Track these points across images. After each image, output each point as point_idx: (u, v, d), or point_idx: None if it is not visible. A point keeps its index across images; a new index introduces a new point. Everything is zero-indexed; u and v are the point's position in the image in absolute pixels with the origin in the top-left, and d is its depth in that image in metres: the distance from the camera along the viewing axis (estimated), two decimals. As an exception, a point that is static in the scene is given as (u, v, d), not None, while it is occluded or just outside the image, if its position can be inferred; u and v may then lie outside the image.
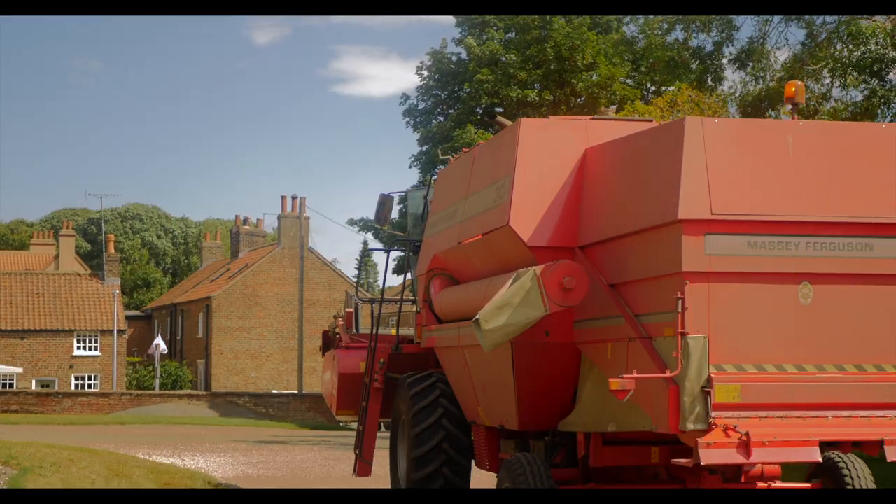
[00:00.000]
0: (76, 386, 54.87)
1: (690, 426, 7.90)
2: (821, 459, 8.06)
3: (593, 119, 10.47)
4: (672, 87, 34.15)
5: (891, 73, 22.50)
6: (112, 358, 55.07)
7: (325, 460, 21.40)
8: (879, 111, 22.64)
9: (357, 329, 14.78)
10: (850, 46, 22.60)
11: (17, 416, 40.75)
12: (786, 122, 9.24)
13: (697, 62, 26.09)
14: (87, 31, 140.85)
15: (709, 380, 7.94)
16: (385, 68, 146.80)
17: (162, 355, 53.47)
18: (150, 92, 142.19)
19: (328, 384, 14.75)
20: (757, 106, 24.21)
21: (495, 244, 10.10)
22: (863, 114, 22.36)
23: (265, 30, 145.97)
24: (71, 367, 55.15)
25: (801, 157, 8.39)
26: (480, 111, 43.40)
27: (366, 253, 53.63)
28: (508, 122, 10.98)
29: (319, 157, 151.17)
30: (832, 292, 8.28)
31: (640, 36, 33.16)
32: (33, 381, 54.07)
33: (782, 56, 25.54)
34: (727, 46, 25.30)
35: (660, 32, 28.31)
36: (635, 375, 8.04)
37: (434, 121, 43.86)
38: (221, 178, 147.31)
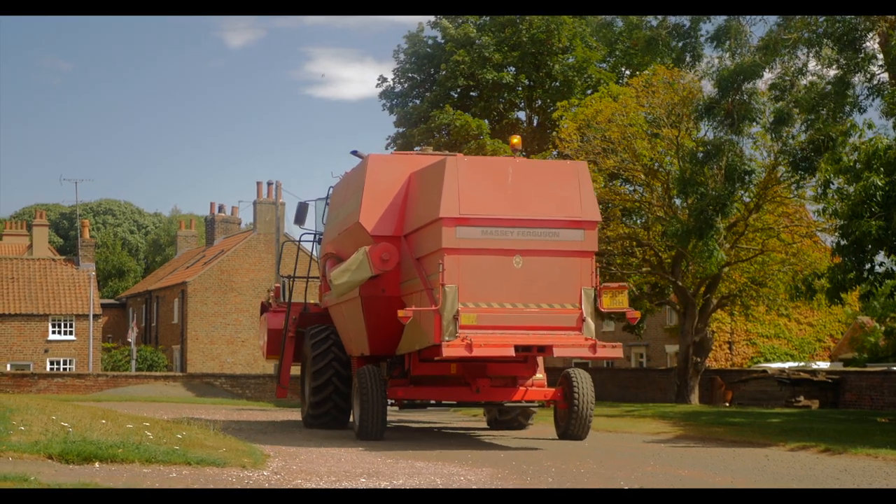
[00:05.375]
0: (52, 370, 59.02)
1: (447, 338, 15.12)
2: (514, 354, 15.15)
3: (417, 153, 17.89)
4: (647, 71, 39.43)
5: (866, 42, 25.05)
6: (87, 342, 60.15)
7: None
8: (856, 78, 24.43)
9: (284, 298, 22.48)
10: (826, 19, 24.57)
11: (-8, 396, 46.31)
12: (509, 158, 16.58)
13: (676, 40, 28.48)
14: (57, 31, 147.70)
15: (457, 311, 15.14)
16: (359, 71, 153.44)
17: (137, 340, 60.12)
18: (123, 91, 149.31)
19: (261, 337, 22.36)
20: (732, 81, 25.86)
21: (354, 234, 17.41)
22: (840, 84, 24.34)
23: (238, 32, 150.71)
24: (46, 351, 60.42)
25: (517, 180, 15.65)
26: (456, 94, 49.99)
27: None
28: (365, 154, 18.42)
29: (293, 150, 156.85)
30: (534, 261, 15.53)
31: (619, 17, 37.14)
32: (8, 365, 58.30)
33: (758, 31, 26.84)
34: (705, 23, 27.86)
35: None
36: (413, 308, 15.49)
37: (410, 103, 49.28)
38: (195, 175, 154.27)
